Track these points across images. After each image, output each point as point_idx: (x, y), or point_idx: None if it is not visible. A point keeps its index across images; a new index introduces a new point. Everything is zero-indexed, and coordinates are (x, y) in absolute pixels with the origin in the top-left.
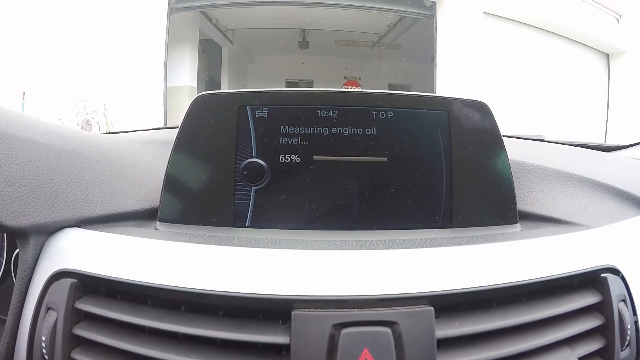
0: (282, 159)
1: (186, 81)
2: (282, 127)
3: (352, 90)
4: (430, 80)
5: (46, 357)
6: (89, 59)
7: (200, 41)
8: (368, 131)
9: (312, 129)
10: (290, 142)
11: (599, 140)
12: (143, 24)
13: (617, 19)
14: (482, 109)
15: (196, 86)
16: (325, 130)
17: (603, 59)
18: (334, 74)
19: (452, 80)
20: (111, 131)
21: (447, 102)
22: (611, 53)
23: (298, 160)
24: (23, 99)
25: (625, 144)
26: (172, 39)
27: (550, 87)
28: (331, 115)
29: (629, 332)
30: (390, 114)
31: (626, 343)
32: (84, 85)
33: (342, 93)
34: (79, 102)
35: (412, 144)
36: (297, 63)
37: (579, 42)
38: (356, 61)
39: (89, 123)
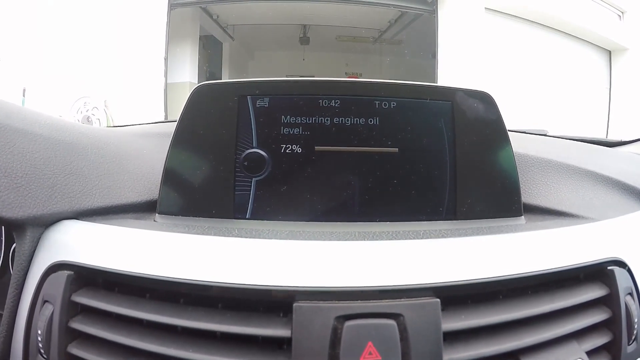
0: (283, 149)
1: (187, 77)
2: (283, 117)
3: (354, 79)
4: (431, 76)
5: (42, 351)
6: (89, 55)
7: (200, 37)
8: (371, 121)
9: (313, 118)
10: (291, 132)
11: (601, 136)
12: (143, 20)
13: (619, 16)
14: (486, 99)
15: (197, 82)
16: (327, 120)
17: (605, 55)
18: (334, 69)
19: (453, 76)
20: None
21: (450, 93)
22: (613, 50)
23: (299, 150)
24: (23, 95)
25: (627, 140)
26: (173, 35)
27: (552, 84)
28: (333, 105)
29: (636, 326)
30: (393, 104)
31: (633, 337)
32: (85, 81)
33: (344, 82)
34: (80, 98)
35: (416, 135)
36: (298, 59)
37: (581, 39)
38: (357, 57)
39: (90, 119)
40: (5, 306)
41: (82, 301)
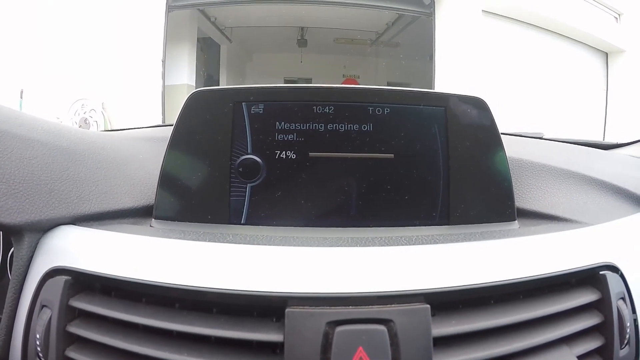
0: (277, 155)
1: (184, 80)
2: (277, 123)
3: (349, 86)
4: (429, 78)
5: (40, 355)
6: (87, 57)
7: (198, 39)
8: (364, 127)
9: (308, 125)
10: (286, 139)
11: (598, 139)
12: (141, 22)
13: (616, 18)
14: (479, 105)
15: (194, 85)
16: (322, 126)
17: (602, 57)
18: (332, 72)
19: (450, 79)
20: (109, 129)
21: (444, 98)
22: (610, 52)
23: (294, 156)
24: (21, 97)
25: (623, 142)
26: (170, 37)
27: (549, 86)
28: (327, 111)
29: (628, 330)
30: (387, 110)
31: (625, 341)
32: (82, 83)
33: (339, 89)
34: (77, 100)
35: (409, 141)
36: (295, 61)
37: (578, 41)
38: (355, 59)
39: (87, 122)
40: (4, 310)
41: (79, 306)
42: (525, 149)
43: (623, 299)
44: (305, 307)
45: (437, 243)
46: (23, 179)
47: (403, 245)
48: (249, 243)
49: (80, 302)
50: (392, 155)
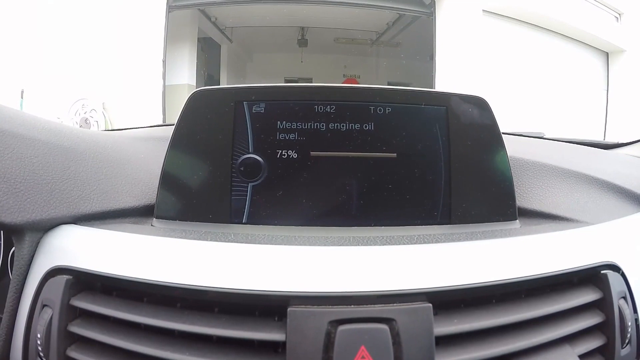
0: (279, 155)
1: (185, 79)
2: (279, 122)
3: (350, 85)
4: (429, 78)
5: (41, 354)
6: (88, 57)
7: (199, 39)
8: (366, 127)
9: (309, 124)
10: (287, 138)
11: (598, 138)
12: (142, 22)
13: (617, 18)
14: (480, 104)
15: (195, 84)
16: (323, 125)
17: (602, 57)
18: (332, 71)
19: (451, 78)
20: (110, 129)
21: (445, 98)
22: (610, 51)
23: (295, 156)
24: (22, 97)
25: (624, 142)
26: (171, 37)
27: (550, 86)
28: (328, 110)
29: (629, 330)
30: (389, 110)
31: (627, 340)
32: (83, 83)
33: (340, 88)
34: (78, 100)
35: (410, 140)
36: (296, 61)
37: (579, 41)
38: (355, 59)
39: (88, 122)
40: (5, 310)
41: (80, 305)
42: (526, 149)
43: (624, 298)
44: (307, 306)
45: (438, 242)
46: (24, 178)
47: (405, 244)
48: (250, 242)
49: (81, 301)
50: (394, 155)
